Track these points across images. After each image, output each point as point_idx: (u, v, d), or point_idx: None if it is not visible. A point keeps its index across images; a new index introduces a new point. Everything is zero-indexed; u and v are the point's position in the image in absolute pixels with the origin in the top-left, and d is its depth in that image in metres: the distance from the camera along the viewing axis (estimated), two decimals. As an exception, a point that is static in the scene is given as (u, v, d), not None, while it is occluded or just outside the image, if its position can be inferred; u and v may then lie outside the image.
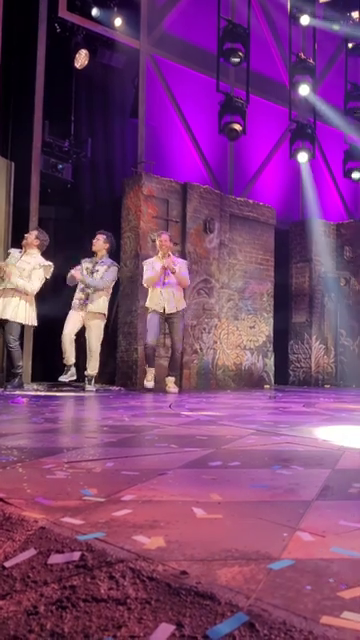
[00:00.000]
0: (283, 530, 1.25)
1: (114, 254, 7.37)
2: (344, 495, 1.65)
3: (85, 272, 6.85)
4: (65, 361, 6.72)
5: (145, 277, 7.01)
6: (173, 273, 6.86)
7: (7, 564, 1.05)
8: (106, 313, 6.95)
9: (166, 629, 0.81)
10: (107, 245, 7.03)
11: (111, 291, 7.04)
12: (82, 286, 6.82)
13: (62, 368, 6.79)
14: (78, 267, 6.88)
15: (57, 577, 0.99)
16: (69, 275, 6.82)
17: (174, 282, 6.92)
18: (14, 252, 6.68)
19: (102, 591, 0.93)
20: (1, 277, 6.44)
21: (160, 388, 7.05)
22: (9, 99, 7.72)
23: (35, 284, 6.51)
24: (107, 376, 7.93)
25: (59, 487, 1.59)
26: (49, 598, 0.92)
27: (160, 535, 1.17)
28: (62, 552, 1.08)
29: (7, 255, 6.69)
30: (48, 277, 6.61)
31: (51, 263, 6.61)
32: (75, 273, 6.77)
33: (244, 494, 1.60)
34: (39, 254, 6.63)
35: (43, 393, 6.29)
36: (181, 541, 1.15)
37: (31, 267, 6.46)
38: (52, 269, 6.60)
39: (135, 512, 1.35)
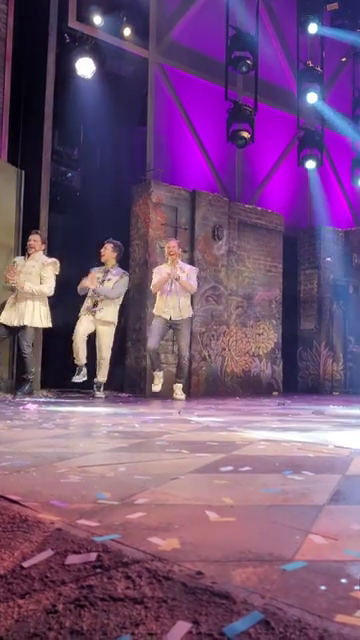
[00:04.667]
0: (296, 533, 1.26)
1: (123, 262, 7.40)
2: (356, 500, 1.66)
3: (96, 282, 6.90)
4: (77, 361, 6.70)
5: (152, 283, 7.08)
6: (177, 280, 6.88)
7: (25, 564, 1.07)
8: (116, 322, 6.97)
9: (183, 627, 0.82)
10: (115, 254, 7.05)
11: (121, 301, 7.07)
12: (92, 293, 6.85)
13: (72, 373, 6.80)
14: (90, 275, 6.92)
15: (75, 577, 1.01)
16: (81, 284, 6.84)
17: (180, 289, 6.94)
18: (19, 260, 6.71)
19: (119, 590, 0.95)
20: (11, 287, 6.47)
21: (168, 395, 7.06)
22: (19, 108, 7.79)
23: (50, 283, 6.50)
24: (116, 383, 7.95)
25: (73, 490, 1.61)
26: (67, 597, 0.94)
27: (175, 537, 1.19)
28: (79, 553, 1.10)
29: (13, 264, 6.69)
30: (57, 273, 6.60)
31: (56, 259, 6.62)
32: (88, 283, 6.78)
33: (256, 498, 1.61)
34: (42, 254, 6.66)
35: (53, 399, 6.31)
36: (195, 543, 1.17)
37: (37, 270, 6.50)
38: (58, 264, 6.61)
39: (149, 515, 1.37)
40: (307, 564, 1.06)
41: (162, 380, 7.00)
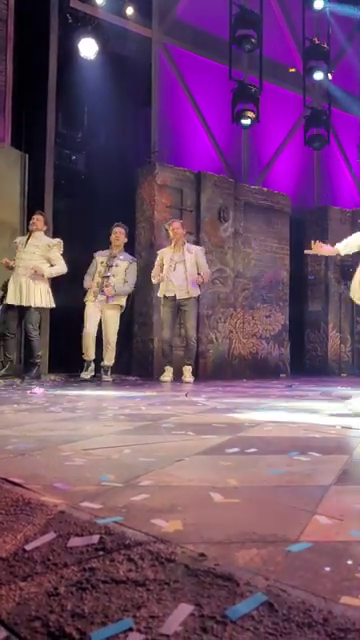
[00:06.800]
0: (301, 514, 1.25)
1: (129, 245, 7.40)
2: (362, 480, 1.64)
3: (100, 266, 6.91)
4: (85, 357, 6.78)
5: (152, 273, 7.08)
6: (201, 284, 7.03)
7: (28, 547, 1.06)
8: (124, 305, 7.00)
9: (185, 609, 0.81)
10: (127, 239, 7.13)
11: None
12: (98, 279, 6.85)
13: (79, 359, 6.82)
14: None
15: (77, 559, 1.00)
16: (87, 283, 6.92)
17: (188, 273, 6.92)
18: (19, 240, 6.71)
19: (121, 573, 0.94)
20: (10, 267, 6.48)
21: (176, 377, 7.06)
22: (22, 91, 7.70)
23: (62, 261, 6.60)
24: (123, 366, 7.96)
25: (77, 473, 1.61)
26: (69, 580, 0.93)
27: (178, 519, 1.18)
28: (81, 535, 1.09)
29: (13, 244, 6.70)
30: (61, 252, 6.65)
31: (59, 239, 6.65)
32: (106, 290, 6.78)
33: (261, 479, 1.60)
34: (44, 235, 6.68)
35: (61, 384, 6.32)
36: (199, 524, 1.16)
37: (41, 250, 6.51)
38: (62, 244, 6.64)
39: (153, 497, 1.36)
40: (312, 545, 1.05)
41: (172, 375, 7.02)
